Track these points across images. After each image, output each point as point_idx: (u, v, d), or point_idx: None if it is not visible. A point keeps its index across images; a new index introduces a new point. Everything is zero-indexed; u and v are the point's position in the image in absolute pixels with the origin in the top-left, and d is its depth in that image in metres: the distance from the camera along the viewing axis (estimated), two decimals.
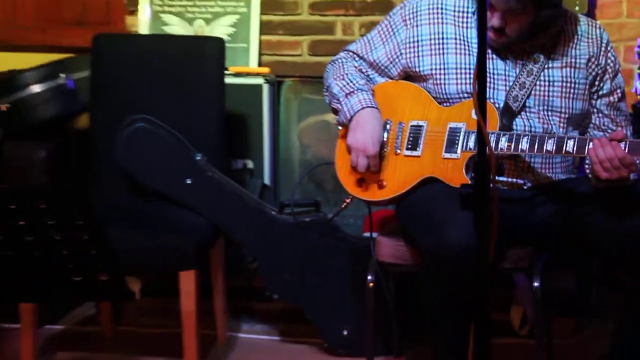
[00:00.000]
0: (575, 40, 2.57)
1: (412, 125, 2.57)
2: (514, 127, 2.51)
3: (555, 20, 2.52)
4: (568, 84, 2.54)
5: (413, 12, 2.61)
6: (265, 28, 3.40)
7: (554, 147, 2.37)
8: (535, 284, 2.52)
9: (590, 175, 2.44)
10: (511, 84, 2.53)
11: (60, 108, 3.21)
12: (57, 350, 3.12)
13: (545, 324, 2.69)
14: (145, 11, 3.42)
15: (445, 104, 2.57)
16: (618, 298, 2.46)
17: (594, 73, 2.57)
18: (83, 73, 3.23)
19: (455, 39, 2.56)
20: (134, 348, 3.15)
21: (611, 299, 2.57)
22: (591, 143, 2.34)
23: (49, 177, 3.12)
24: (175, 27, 3.42)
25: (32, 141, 3.16)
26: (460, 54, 2.55)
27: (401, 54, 2.62)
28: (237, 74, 3.30)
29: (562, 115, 2.54)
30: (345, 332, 3.05)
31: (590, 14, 3.28)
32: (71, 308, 3.40)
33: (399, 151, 2.56)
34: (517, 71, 2.53)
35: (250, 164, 3.33)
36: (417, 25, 2.59)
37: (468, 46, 2.56)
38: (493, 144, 2.39)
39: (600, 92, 2.60)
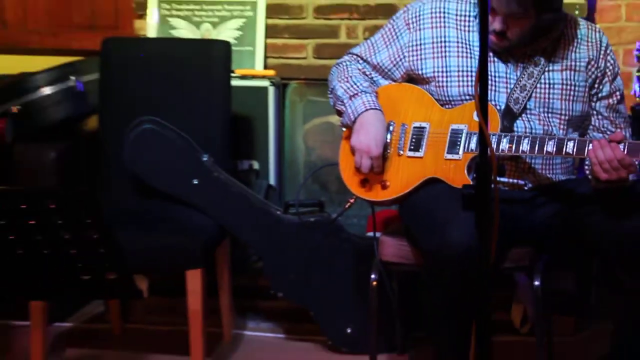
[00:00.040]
0: (575, 44, 2.56)
1: (414, 127, 2.56)
2: (515, 128, 2.50)
3: (556, 24, 2.52)
4: (568, 87, 2.54)
5: (416, 16, 2.61)
6: (270, 31, 3.40)
7: (554, 149, 2.36)
8: (536, 283, 2.52)
9: (589, 176, 2.43)
10: (512, 86, 2.52)
11: (70, 110, 3.22)
12: (66, 347, 3.12)
13: (545, 323, 2.68)
14: (153, 15, 3.43)
15: (447, 106, 2.57)
16: (618, 299, 2.45)
17: (593, 76, 2.57)
18: (92, 75, 3.23)
19: (457, 42, 2.56)
20: (142, 345, 3.15)
21: (611, 299, 2.56)
22: (591, 144, 2.33)
23: (59, 178, 3.12)
24: (183, 30, 3.42)
25: (43, 143, 3.17)
26: (462, 56, 2.55)
27: (404, 56, 2.61)
28: (243, 77, 3.30)
29: (562, 117, 2.54)
30: (349, 330, 3.05)
31: (590, 18, 3.28)
32: (80, 306, 3.41)
33: (402, 152, 2.55)
34: (518, 74, 2.53)
35: (256, 165, 3.33)
36: (420, 29, 2.59)
37: (470, 49, 2.55)
38: (494, 145, 2.39)
39: (600, 95, 2.59)
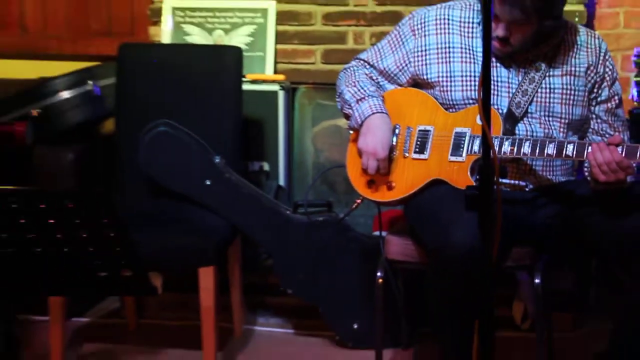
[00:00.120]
0: (575, 50, 2.55)
1: (419, 130, 2.56)
2: (517, 132, 2.49)
3: (556, 31, 2.51)
4: (568, 91, 2.53)
5: (421, 23, 2.60)
6: (280, 38, 3.40)
7: (555, 151, 2.35)
8: (537, 281, 2.51)
9: (589, 178, 2.42)
10: (514, 91, 2.51)
11: (87, 113, 3.22)
12: (84, 341, 3.12)
13: (545, 319, 2.68)
14: (167, 22, 3.43)
15: (451, 110, 2.56)
16: (617, 298, 2.44)
17: (592, 81, 2.56)
18: (109, 80, 3.23)
19: (461, 48, 2.56)
20: (156, 340, 3.15)
21: (610, 298, 2.55)
22: (590, 147, 2.33)
23: (77, 179, 3.12)
24: (196, 37, 3.42)
25: (61, 145, 3.17)
26: (466, 62, 2.54)
27: (410, 62, 2.61)
28: (254, 81, 3.30)
29: (563, 120, 2.53)
30: (355, 326, 3.05)
31: (589, 24, 3.27)
32: (97, 302, 3.41)
33: (407, 154, 2.55)
34: (520, 79, 2.52)
35: (266, 166, 3.32)
36: (425, 35, 2.59)
37: (473, 55, 2.55)
38: (497, 148, 2.38)
39: (599, 99, 2.58)
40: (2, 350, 1.87)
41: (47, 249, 1.79)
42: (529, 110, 2.51)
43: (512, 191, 2.47)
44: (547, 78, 2.52)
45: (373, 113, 2.54)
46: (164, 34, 3.42)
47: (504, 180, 2.42)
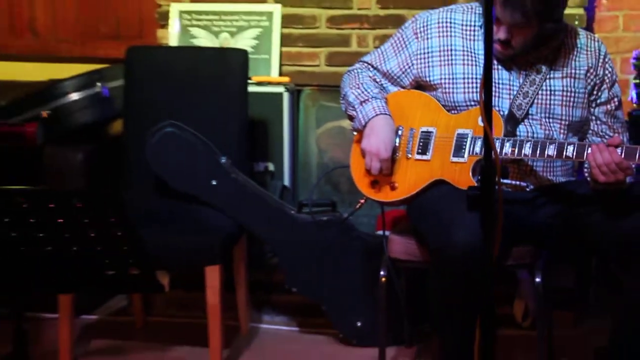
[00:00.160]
0: (575, 53, 2.55)
1: (422, 131, 2.55)
2: (518, 133, 2.49)
3: (557, 34, 2.50)
4: (568, 93, 2.53)
5: (424, 26, 2.60)
6: (285, 40, 3.40)
7: (555, 152, 2.35)
8: (537, 279, 2.51)
9: (588, 179, 2.42)
10: (515, 93, 2.51)
11: (96, 114, 3.22)
12: (92, 338, 3.12)
13: (546, 317, 2.67)
14: (174, 25, 3.43)
15: (453, 112, 2.55)
16: (617, 298, 2.43)
17: (592, 83, 2.55)
18: (117, 82, 3.24)
19: (463, 50, 2.55)
20: (163, 337, 3.15)
21: (610, 298, 2.54)
22: (590, 148, 2.32)
23: (86, 179, 3.13)
24: (203, 39, 3.42)
25: (71, 145, 3.17)
26: (468, 64, 2.54)
27: (412, 64, 2.61)
28: (259, 83, 3.30)
29: (563, 122, 2.53)
30: (359, 324, 3.04)
31: (589, 28, 3.26)
32: (105, 300, 3.41)
33: (410, 155, 2.55)
34: (521, 81, 2.52)
35: (271, 167, 3.32)
36: (427, 38, 2.58)
37: (475, 57, 2.54)
38: (498, 149, 2.38)
39: (599, 101, 2.58)
40: (12, 347, 1.87)
41: (56, 248, 1.79)
42: (530, 112, 2.51)
43: (513, 191, 2.47)
44: (547, 80, 2.52)
45: (376, 115, 2.54)
46: (171, 37, 3.42)
47: (505, 181, 2.42)
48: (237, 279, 3.11)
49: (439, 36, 2.57)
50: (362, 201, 2.66)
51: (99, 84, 3.20)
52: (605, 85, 2.57)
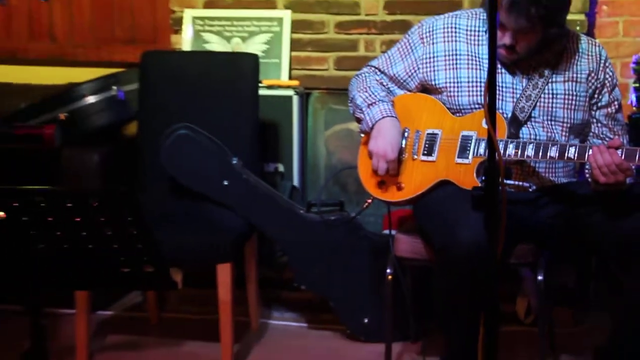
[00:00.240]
0: (577, 57, 2.54)
1: (428, 133, 2.55)
2: (521, 135, 2.48)
3: (560, 39, 2.50)
4: (570, 97, 2.52)
5: (429, 31, 2.59)
6: (295, 45, 3.40)
7: (557, 154, 2.34)
8: (539, 277, 2.50)
9: (589, 179, 2.41)
10: (518, 96, 2.50)
11: (112, 117, 3.22)
12: (108, 333, 3.13)
13: (547, 314, 2.66)
14: (188, 30, 3.43)
15: (458, 114, 2.55)
16: (617, 298, 2.42)
17: (593, 87, 2.55)
18: (132, 85, 3.24)
19: (468, 55, 2.54)
20: (176, 333, 3.15)
21: (610, 299, 2.52)
22: (591, 150, 2.31)
23: (102, 179, 3.13)
24: (215, 44, 3.42)
25: (87, 147, 3.17)
26: (472, 68, 2.53)
27: (418, 68, 2.60)
28: (270, 87, 3.30)
29: (565, 124, 2.52)
30: (366, 321, 3.04)
31: (590, 33, 3.25)
32: (120, 296, 3.41)
33: (415, 156, 2.54)
34: (524, 84, 2.51)
35: (281, 168, 3.32)
36: (433, 43, 2.58)
37: (479, 61, 2.53)
38: (502, 151, 2.37)
39: (599, 104, 2.57)
40: (30, 342, 1.87)
41: (73, 246, 1.79)
42: (533, 114, 2.50)
43: (516, 192, 2.46)
44: (549, 84, 2.51)
45: (383, 117, 2.54)
46: (185, 42, 3.42)
47: (509, 182, 2.42)
48: (248, 277, 3.11)
49: (444, 41, 2.57)
50: (369, 201, 2.65)
51: (114, 87, 3.20)
52: (605, 89, 2.56)
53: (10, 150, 2.88)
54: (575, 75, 2.53)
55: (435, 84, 2.57)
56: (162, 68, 3.15)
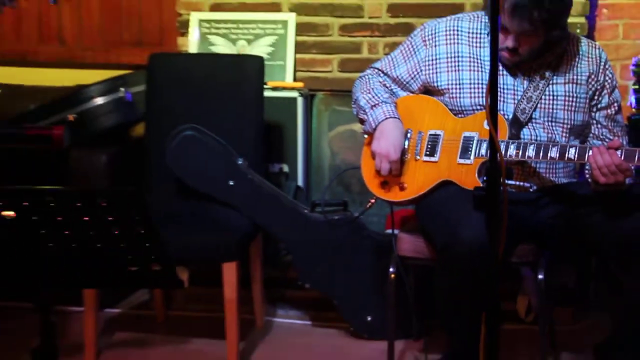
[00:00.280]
0: (577, 59, 2.54)
1: (430, 134, 2.55)
2: (522, 136, 2.48)
3: (561, 41, 2.50)
4: (570, 98, 2.52)
5: (432, 34, 2.59)
6: (300, 48, 3.40)
7: (558, 155, 2.34)
8: (540, 277, 2.50)
9: (589, 180, 2.41)
10: (519, 97, 2.50)
11: (120, 118, 3.23)
12: (116, 331, 3.13)
13: (548, 313, 2.66)
14: (194, 33, 3.44)
15: (460, 115, 2.55)
16: (616, 298, 2.41)
17: (593, 88, 2.54)
18: (140, 87, 3.24)
19: (470, 57, 2.54)
20: (183, 330, 3.15)
21: (610, 299, 2.52)
22: (591, 151, 2.31)
23: (110, 180, 3.13)
24: (221, 47, 3.42)
25: (95, 148, 3.18)
26: (474, 70, 2.53)
27: (421, 70, 2.60)
28: (274, 88, 3.30)
29: (565, 126, 2.52)
30: (369, 319, 3.04)
31: (590, 36, 3.25)
32: (128, 294, 3.42)
33: (418, 157, 2.54)
34: (525, 86, 2.51)
35: (285, 168, 3.32)
36: (435, 45, 2.58)
37: (481, 64, 2.53)
38: (503, 151, 2.37)
39: (599, 106, 2.56)
40: (40, 339, 1.88)
41: (82, 245, 1.80)
42: (534, 116, 2.50)
43: (517, 192, 2.46)
44: (550, 86, 2.51)
45: (386, 118, 2.54)
46: (191, 44, 3.42)
47: (510, 182, 2.42)
48: (253, 275, 3.11)
49: (447, 43, 2.57)
50: (373, 201, 2.65)
51: (122, 89, 3.21)
52: (605, 91, 2.56)
53: (20, 150, 2.89)
54: (575, 77, 2.52)
55: (437, 86, 2.57)
56: (168, 70, 3.15)
